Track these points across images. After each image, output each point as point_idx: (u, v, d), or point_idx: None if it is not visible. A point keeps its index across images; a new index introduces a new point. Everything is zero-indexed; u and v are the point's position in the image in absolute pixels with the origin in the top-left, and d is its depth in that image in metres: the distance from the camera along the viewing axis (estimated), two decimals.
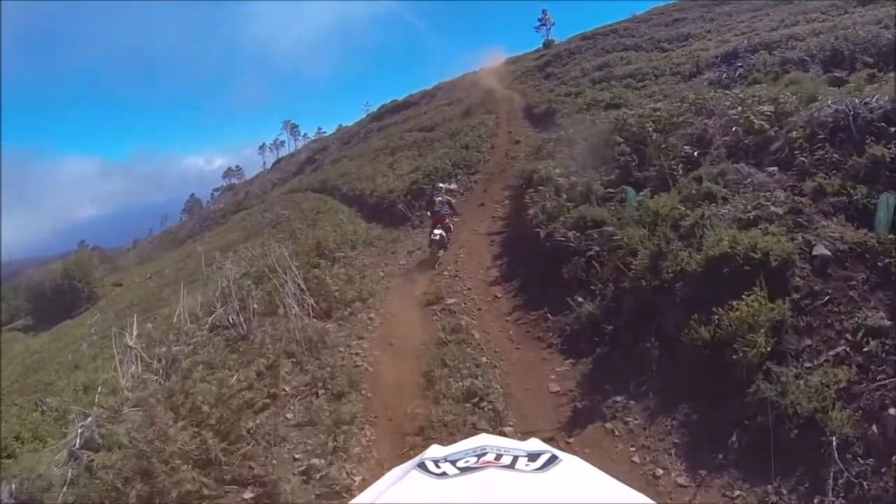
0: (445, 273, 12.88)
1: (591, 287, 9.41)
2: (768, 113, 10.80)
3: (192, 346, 9.75)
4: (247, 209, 46.05)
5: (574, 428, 7.03)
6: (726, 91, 14.69)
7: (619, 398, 7.17)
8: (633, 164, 11.99)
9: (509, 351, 9.31)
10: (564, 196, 12.28)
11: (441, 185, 15.97)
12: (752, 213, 7.94)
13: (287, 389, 8.33)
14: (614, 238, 9.54)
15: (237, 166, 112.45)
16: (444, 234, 13.49)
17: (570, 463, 0.86)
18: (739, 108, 11.51)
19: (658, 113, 13.22)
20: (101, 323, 21.21)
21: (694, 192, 9.29)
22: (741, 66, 19.92)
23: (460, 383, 7.98)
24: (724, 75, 19.91)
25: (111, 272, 46.96)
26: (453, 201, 15.27)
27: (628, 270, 8.51)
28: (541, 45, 48.80)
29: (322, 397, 8.08)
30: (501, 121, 28.16)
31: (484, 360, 8.87)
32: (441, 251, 13.42)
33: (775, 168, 9.20)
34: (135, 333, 10.03)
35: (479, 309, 10.90)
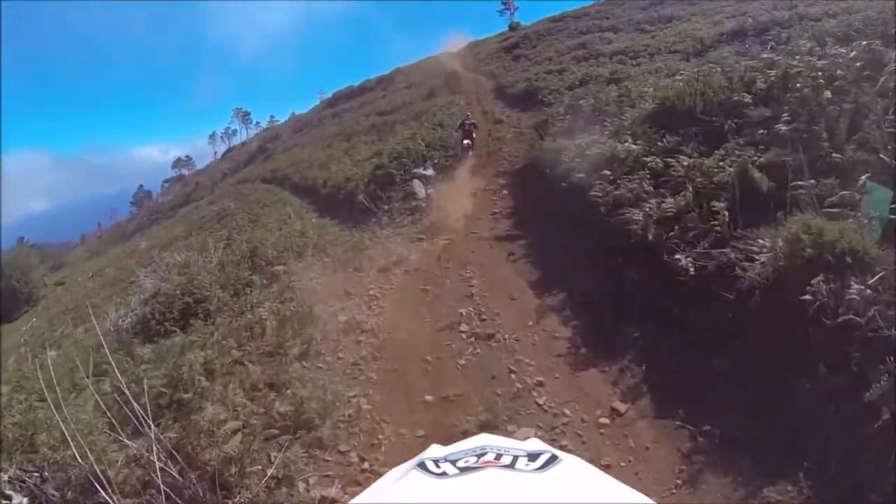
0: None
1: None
2: None
3: None
4: (196, 201, 43.02)
5: None
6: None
7: None
8: (799, 137, 6.96)
9: None
10: (689, 194, 7.26)
11: (468, 114, 18.82)
12: None
13: None
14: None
15: (187, 156, 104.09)
16: (470, 142, 16.41)
17: (570, 463, 0.81)
18: None
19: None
20: (33, 331, 18.92)
21: None
22: (771, 40, 16.68)
23: None
24: (748, 49, 16.47)
25: (56, 269, 43.19)
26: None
27: None
28: (506, 28, 44.37)
29: None
30: (472, 101, 25.35)
31: None
32: (469, 152, 16.32)
33: None
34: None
35: None
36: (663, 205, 7.10)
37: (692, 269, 5.93)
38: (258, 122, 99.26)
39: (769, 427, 4.57)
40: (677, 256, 6.17)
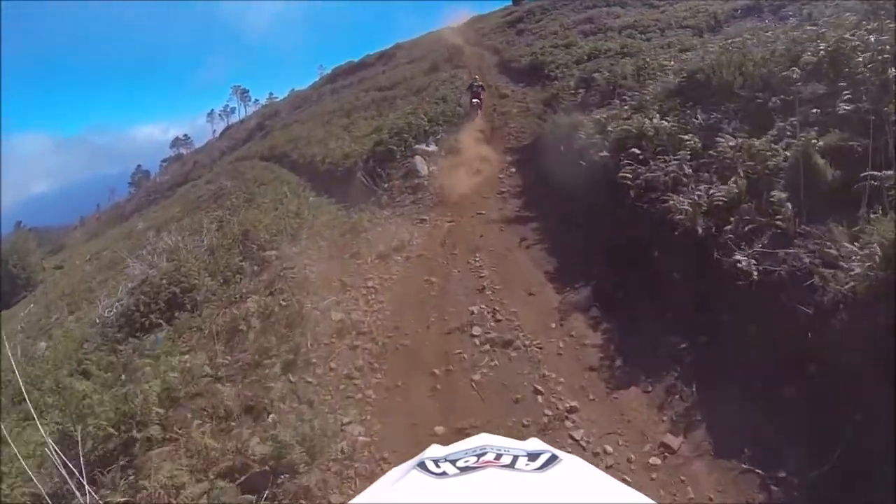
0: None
1: None
2: None
3: None
4: (194, 180, 41.99)
5: None
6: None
7: None
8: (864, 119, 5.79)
9: None
10: (741, 180, 6.05)
11: (476, 77, 19.27)
12: None
13: None
14: None
15: (185, 135, 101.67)
16: (479, 101, 17.17)
17: (570, 463, 0.80)
18: None
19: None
20: (30, 317, 18.90)
21: None
22: (792, 16, 15.83)
23: None
24: (767, 24, 15.39)
25: (56, 253, 42.95)
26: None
27: None
28: (510, 3, 42.68)
29: None
30: (475, 76, 23.50)
31: None
32: (479, 111, 17.05)
33: None
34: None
35: None
36: (712, 192, 6.02)
37: (755, 273, 4.88)
38: (257, 100, 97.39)
39: (854, 478, 3.60)
40: (737, 257, 5.10)
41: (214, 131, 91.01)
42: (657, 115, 8.37)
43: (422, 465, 0.80)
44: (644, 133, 8.03)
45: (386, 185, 13.40)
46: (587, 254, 7.66)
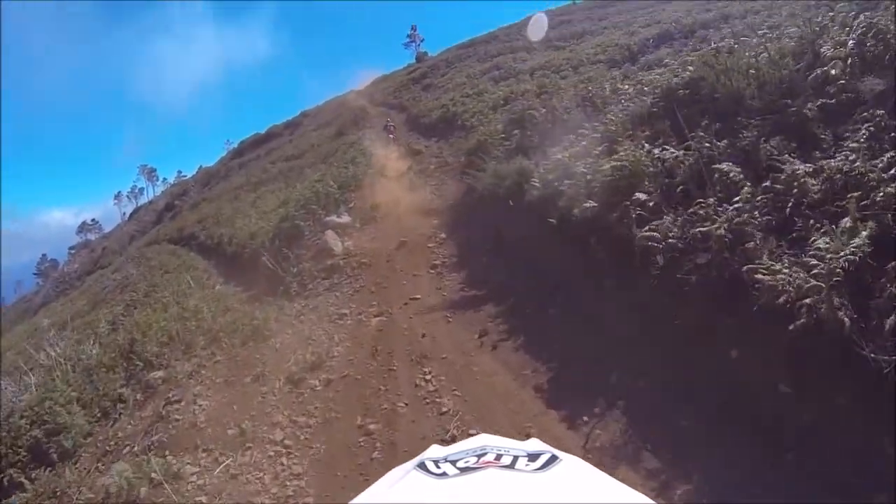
0: None
1: None
2: None
3: None
4: (103, 268, 37.40)
5: None
6: None
7: None
8: None
9: None
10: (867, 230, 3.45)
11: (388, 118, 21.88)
12: None
13: None
14: None
15: (93, 220, 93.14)
16: (393, 136, 19.50)
17: (571, 463, 0.73)
18: None
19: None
20: None
21: None
22: (710, 37, 14.56)
23: None
24: (684, 48, 13.94)
25: None
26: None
27: None
28: (413, 60, 41.05)
29: None
30: (388, 118, 23.68)
31: None
32: (391, 135, 19.50)
33: None
34: None
35: None
36: (826, 249, 3.38)
37: None
38: (165, 179, 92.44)
39: None
40: None
41: (124, 214, 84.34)
42: (647, 143, 5.90)
43: (422, 466, 0.73)
44: (640, 170, 5.50)
45: (295, 270, 10.40)
46: (596, 351, 4.93)
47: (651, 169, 5.41)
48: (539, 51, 27.36)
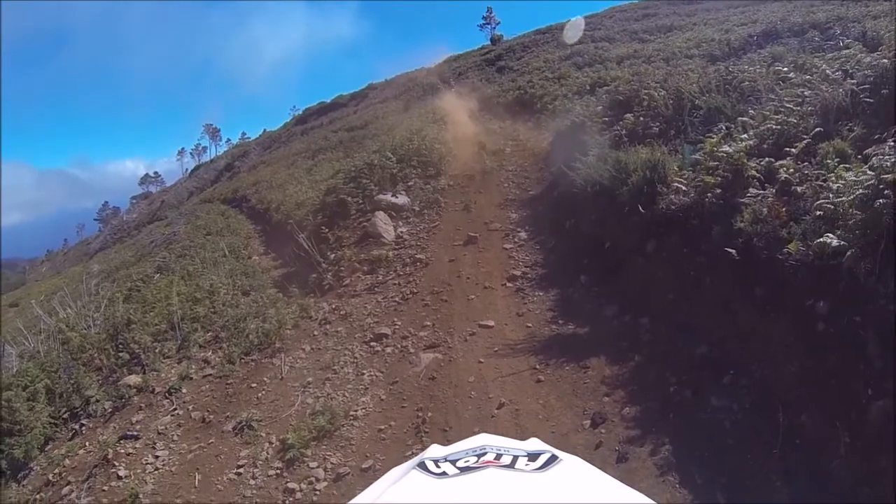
0: None
1: None
2: None
3: None
4: (160, 220, 36.77)
5: None
6: None
7: None
8: None
9: None
10: None
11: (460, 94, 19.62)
12: None
13: None
14: None
15: (156, 172, 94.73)
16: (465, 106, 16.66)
17: (570, 463, 0.75)
18: None
19: None
20: None
21: None
22: (842, 35, 12.22)
23: None
24: (808, 46, 11.70)
25: (18, 287, 38.41)
26: None
27: None
28: (488, 41, 38.29)
29: None
30: (454, 112, 20.16)
31: None
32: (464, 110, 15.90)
33: None
34: None
35: None
36: None
37: None
38: (229, 139, 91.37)
39: None
40: None
41: (186, 169, 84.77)
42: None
43: (422, 465, 0.74)
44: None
45: (332, 256, 8.29)
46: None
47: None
48: (622, 41, 24.50)
